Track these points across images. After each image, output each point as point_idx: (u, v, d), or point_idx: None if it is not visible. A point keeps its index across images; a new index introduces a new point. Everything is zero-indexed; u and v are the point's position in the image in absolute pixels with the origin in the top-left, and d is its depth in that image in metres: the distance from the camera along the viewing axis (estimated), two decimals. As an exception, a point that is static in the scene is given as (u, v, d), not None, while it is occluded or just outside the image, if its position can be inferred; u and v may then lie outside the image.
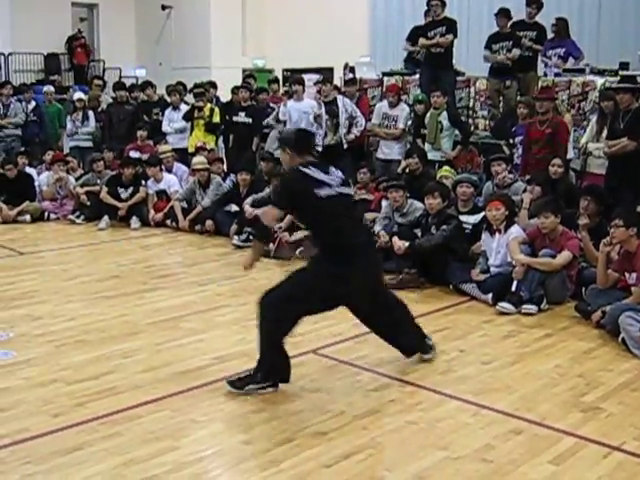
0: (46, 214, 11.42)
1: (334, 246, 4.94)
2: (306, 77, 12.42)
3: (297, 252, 8.69)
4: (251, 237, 8.44)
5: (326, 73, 14.30)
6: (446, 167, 9.44)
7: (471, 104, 11.56)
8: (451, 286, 7.53)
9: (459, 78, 11.63)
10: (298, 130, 5.88)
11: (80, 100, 13.25)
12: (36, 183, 11.70)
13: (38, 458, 4.14)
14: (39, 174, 11.96)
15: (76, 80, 20.05)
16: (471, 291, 7.31)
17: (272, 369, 5.02)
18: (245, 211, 9.54)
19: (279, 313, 4.87)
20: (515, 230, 7.36)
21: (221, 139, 12.86)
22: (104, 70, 20.63)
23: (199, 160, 10.84)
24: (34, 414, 4.72)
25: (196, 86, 13.46)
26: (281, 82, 15.66)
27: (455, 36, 10.99)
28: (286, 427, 4.53)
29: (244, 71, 18.15)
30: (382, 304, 5.33)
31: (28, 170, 11.85)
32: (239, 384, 4.99)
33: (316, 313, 5.15)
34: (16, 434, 4.42)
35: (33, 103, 14.08)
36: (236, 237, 9.53)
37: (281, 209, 5.03)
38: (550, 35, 11.29)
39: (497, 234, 7.39)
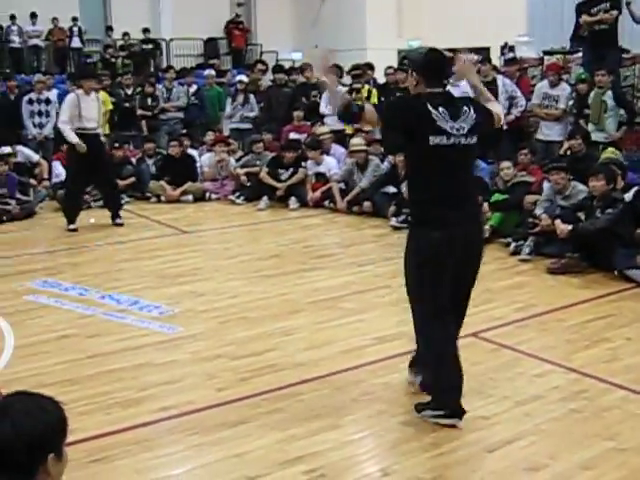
0: (207, 194, 11.75)
1: (419, 201, 4.31)
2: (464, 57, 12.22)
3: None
4: (409, 218, 6.96)
5: (483, 53, 14.03)
6: (611, 148, 9.12)
7: (637, 83, 11.09)
8: (616, 272, 7.23)
9: (624, 56, 11.18)
10: (430, 50, 4.46)
11: (242, 82, 13.54)
12: (197, 164, 12.05)
13: (204, 430, 4.28)
14: (200, 155, 12.32)
15: (234, 64, 20.51)
16: (637, 277, 7.02)
17: (437, 391, 4.38)
18: (403, 193, 9.51)
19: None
20: (686, 214, 7.03)
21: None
22: (261, 53, 20.98)
23: (357, 141, 10.87)
24: (200, 387, 4.89)
25: (354, 68, 13.49)
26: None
27: (620, 12, 10.56)
28: (447, 410, 4.50)
29: (399, 52, 18.06)
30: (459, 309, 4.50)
31: (190, 151, 12.23)
32: (419, 407, 4.41)
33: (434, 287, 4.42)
34: (183, 406, 4.59)
35: (194, 87, 14.53)
36: (394, 219, 9.52)
37: (386, 126, 4.18)
38: None
39: (666, 218, 7.08)
